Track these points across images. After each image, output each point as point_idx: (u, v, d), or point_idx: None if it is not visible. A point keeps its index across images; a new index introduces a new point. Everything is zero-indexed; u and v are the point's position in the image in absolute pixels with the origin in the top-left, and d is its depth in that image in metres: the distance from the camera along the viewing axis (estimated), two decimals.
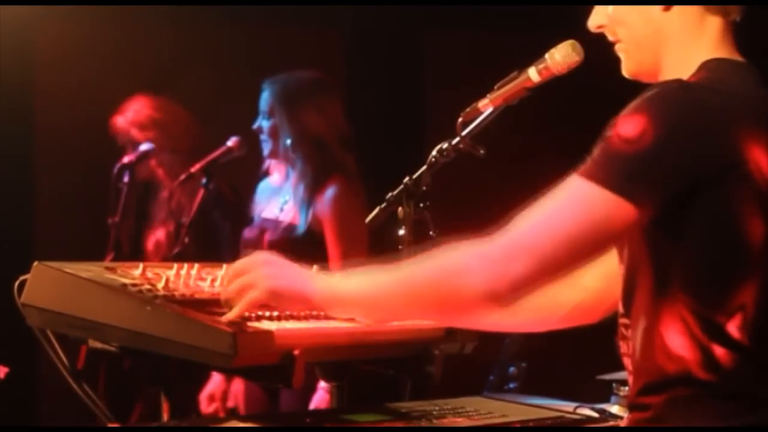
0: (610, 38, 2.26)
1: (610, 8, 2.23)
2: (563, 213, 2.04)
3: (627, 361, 2.17)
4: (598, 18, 2.25)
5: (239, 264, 2.32)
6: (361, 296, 2.22)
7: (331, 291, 2.23)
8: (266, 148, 4.42)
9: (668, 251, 2.03)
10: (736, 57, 2.17)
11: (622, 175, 1.99)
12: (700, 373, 2.03)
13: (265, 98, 4.41)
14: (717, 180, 1.99)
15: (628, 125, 2.01)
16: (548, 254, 2.03)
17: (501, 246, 2.06)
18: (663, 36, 2.17)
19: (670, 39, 2.17)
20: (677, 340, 2.04)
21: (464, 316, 2.21)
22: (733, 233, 2.01)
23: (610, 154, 2.02)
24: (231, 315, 2.24)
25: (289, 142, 4.33)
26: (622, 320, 2.17)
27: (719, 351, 2.03)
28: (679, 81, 2.07)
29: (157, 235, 4.73)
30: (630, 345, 2.14)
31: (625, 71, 2.25)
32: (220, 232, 4.57)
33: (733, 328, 2.03)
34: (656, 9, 2.16)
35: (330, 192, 4.28)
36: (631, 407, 2.14)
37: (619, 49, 2.25)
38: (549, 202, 2.06)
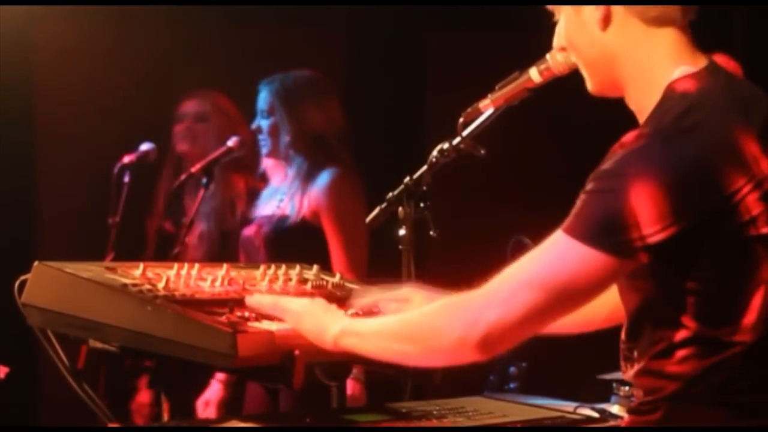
0: (572, 59, 2.29)
1: (562, 31, 2.24)
2: (542, 268, 2.04)
3: (629, 379, 2.18)
4: (559, 40, 2.27)
5: (287, 299, 2.41)
6: (366, 335, 2.24)
7: (346, 329, 2.27)
8: (265, 147, 4.42)
9: (675, 286, 2.03)
10: (699, 62, 2.13)
11: (599, 230, 1.99)
12: (704, 383, 2.04)
13: (264, 97, 4.41)
14: (710, 218, 1.98)
15: (610, 182, 2.00)
16: (523, 305, 2.03)
17: (478, 295, 2.08)
18: (611, 56, 2.15)
19: (619, 58, 2.15)
20: (684, 359, 2.05)
21: (442, 361, 2.22)
22: (740, 259, 2.01)
23: (588, 208, 2.02)
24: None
25: (288, 139, 4.33)
26: (627, 345, 2.17)
27: (724, 362, 2.03)
28: (655, 133, 2.02)
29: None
30: (635, 368, 2.13)
31: (589, 90, 2.25)
32: None
33: (738, 336, 2.03)
34: (595, 30, 2.15)
35: (324, 178, 4.28)
36: (632, 411, 2.15)
37: (580, 70, 2.26)
38: (531, 257, 2.07)
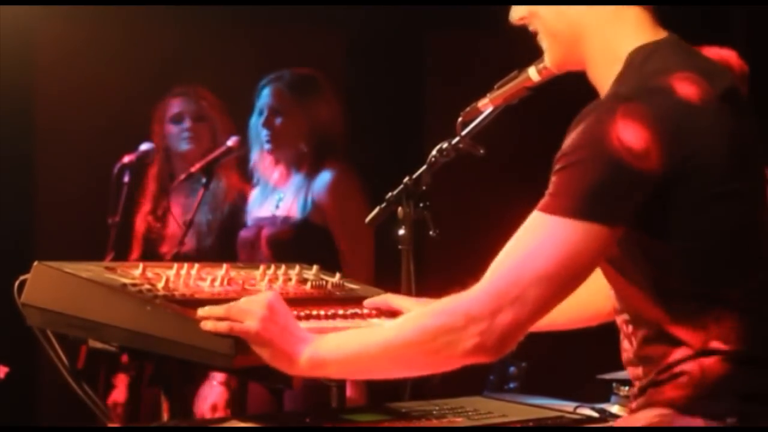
0: (531, 30, 2.26)
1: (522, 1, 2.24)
2: (539, 254, 2.02)
3: (628, 356, 2.17)
4: (519, 11, 2.25)
5: (248, 298, 2.28)
6: (347, 363, 2.17)
7: (317, 358, 2.16)
8: (270, 144, 4.39)
9: (656, 248, 2.04)
10: (659, 35, 2.15)
11: (585, 200, 1.99)
12: (709, 346, 2.04)
13: (273, 94, 4.39)
14: (680, 174, 1.99)
15: (579, 153, 2.00)
16: (533, 299, 2.02)
17: (484, 300, 2.04)
18: (579, 29, 2.17)
19: (587, 32, 2.16)
20: (684, 326, 2.05)
21: (451, 369, 2.18)
22: (710, 218, 2.02)
23: (567, 183, 2.02)
24: (208, 326, 2.19)
25: (303, 137, 4.33)
26: (622, 317, 2.17)
27: (726, 325, 2.04)
28: (613, 100, 2.05)
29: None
30: (633, 341, 2.13)
31: (548, 63, 2.27)
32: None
33: (738, 300, 2.04)
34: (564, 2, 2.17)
35: (325, 178, 4.28)
36: (642, 392, 2.13)
37: (540, 41, 2.25)
38: (522, 245, 2.05)
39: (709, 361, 2.05)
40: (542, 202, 2.05)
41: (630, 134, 1.98)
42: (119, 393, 4.63)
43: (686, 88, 2.04)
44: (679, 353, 2.06)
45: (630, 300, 2.13)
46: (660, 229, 2.02)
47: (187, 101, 4.76)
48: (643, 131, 1.98)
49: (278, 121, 4.38)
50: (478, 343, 2.04)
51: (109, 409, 4.57)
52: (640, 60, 2.10)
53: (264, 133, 4.40)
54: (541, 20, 2.22)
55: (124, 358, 4.45)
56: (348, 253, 4.22)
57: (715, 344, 2.05)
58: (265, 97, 4.42)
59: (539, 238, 2.03)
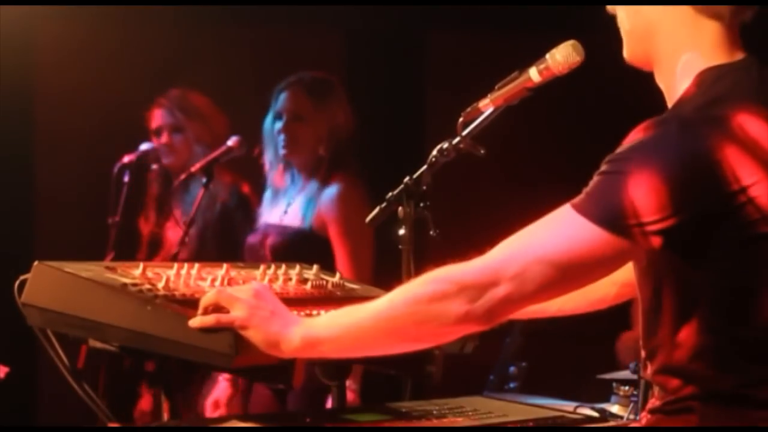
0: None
1: None
2: (550, 243, 2.03)
3: (648, 377, 2.17)
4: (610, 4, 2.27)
5: (235, 288, 2.29)
6: (341, 338, 2.16)
7: (310, 336, 2.16)
8: (285, 149, 4.38)
9: (686, 278, 2.03)
10: (736, 57, 2.12)
11: (614, 212, 1.99)
12: (731, 382, 2.03)
13: (293, 99, 4.38)
14: (723, 210, 1.98)
15: (625, 165, 2.00)
16: (531, 280, 2.02)
17: (480, 270, 2.05)
18: (652, 30, 2.16)
19: (660, 35, 2.15)
20: (705, 355, 2.03)
21: (443, 340, 2.20)
22: (753, 255, 2.00)
23: (601, 188, 2.02)
24: (196, 322, 2.20)
25: (322, 142, 4.32)
26: (644, 342, 2.15)
27: (748, 361, 2.02)
28: (676, 121, 2.03)
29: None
30: (654, 365, 2.12)
31: (624, 56, 2.26)
32: (239, 234, 4.57)
33: (761, 334, 2.02)
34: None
35: (333, 190, 4.27)
36: (656, 411, 2.12)
37: (622, 35, 2.25)
38: (537, 231, 2.06)
39: (721, 405, 2.03)
40: (577, 197, 2.05)
41: (665, 167, 1.96)
42: (145, 402, 4.63)
43: (746, 120, 2.02)
44: (692, 389, 2.05)
45: (650, 321, 2.11)
46: (687, 257, 2.01)
47: (164, 114, 4.78)
48: (680, 166, 1.97)
49: (297, 125, 4.36)
50: (468, 311, 2.04)
51: (136, 418, 4.59)
52: (708, 83, 2.08)
53: (281, 138, 4.37)
54: (623, 14, 2.22)
55: (150, 366, 4.49)
56: (345, 263, 4.20)
57: (730, 387, 2.03)
58: (283, 100, 4.39)
59: (559, 229, 2.04)
